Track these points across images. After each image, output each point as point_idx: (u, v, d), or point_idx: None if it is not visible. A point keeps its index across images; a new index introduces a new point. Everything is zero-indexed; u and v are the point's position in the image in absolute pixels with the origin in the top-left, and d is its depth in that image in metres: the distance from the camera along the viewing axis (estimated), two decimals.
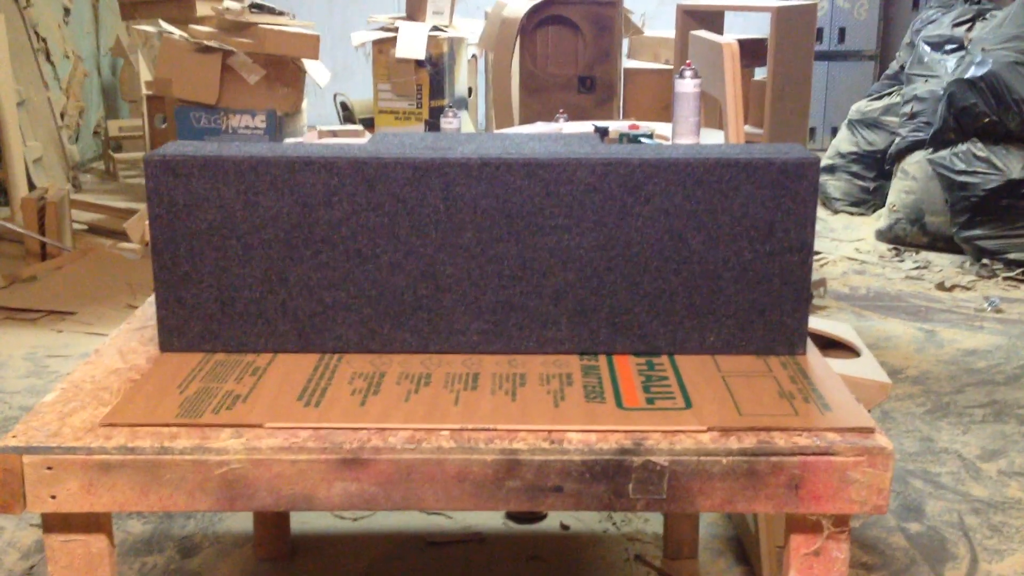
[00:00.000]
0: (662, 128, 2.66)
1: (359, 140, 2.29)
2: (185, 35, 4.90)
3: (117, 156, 6.44)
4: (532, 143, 1.51)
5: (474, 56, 5.88)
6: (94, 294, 4.05)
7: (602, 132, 2.52)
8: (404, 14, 5.22)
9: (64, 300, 3.99)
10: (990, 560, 2.22)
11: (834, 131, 6.72)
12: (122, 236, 4.70)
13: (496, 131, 3.97)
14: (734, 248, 1.39)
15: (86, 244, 4.72)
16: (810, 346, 1.45)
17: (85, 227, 5.05)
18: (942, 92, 4.79)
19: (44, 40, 6.03)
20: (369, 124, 5.32)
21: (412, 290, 1.41)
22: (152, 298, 1.62)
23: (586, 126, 2.70)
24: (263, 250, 1.40)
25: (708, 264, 1.40)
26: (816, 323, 2.25)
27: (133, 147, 6.67)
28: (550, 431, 1.21)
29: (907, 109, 5.13)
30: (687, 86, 2.31)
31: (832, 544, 1.23)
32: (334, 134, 3.32)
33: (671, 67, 4.72)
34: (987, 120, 4.56)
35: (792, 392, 1.30)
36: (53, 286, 4.14)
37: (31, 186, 5.09)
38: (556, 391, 1.31)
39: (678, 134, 2.34)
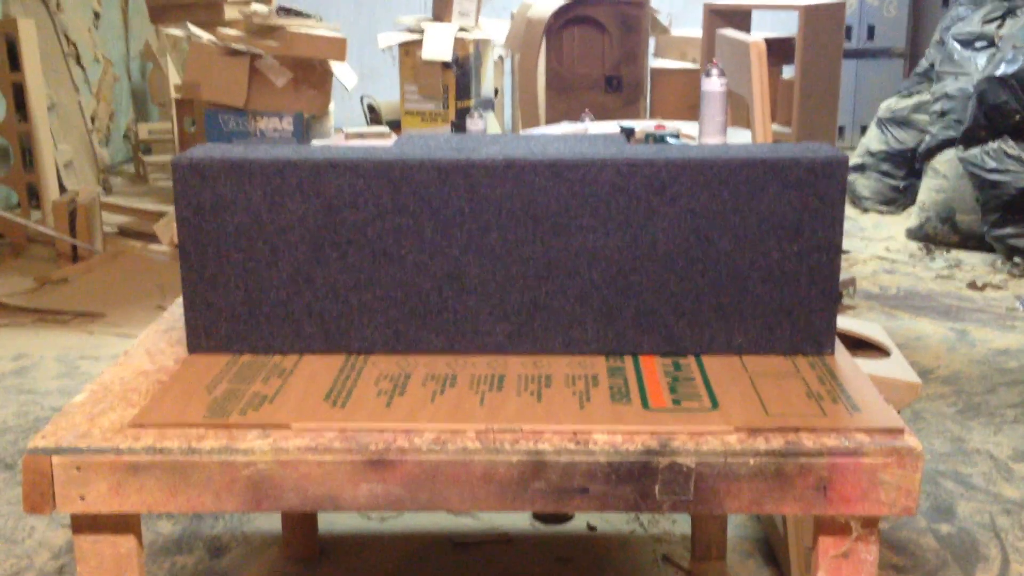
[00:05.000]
0: (689, 128, 2.65)
1: (385, 142, 2.30)
2: (213, 39, 4.93)
3: (147, 159, 6.49)
4: (557, 144, 1.51)
5: (500, 57, 5.89)
6: (124, 296, 4.09)
7: (628, 132, 2.51)
8: (430, 16, 5.23)
9: (95, 302, 4.02)
10: (1022, 562, 2.19)
11: (863, 129, 6.67)
12: (152, 238, 4.74)
13: (522, 132, 3.97)
14: (761, 248, 1.38)
15: (116, 246, 4.76)
16: (839, 346, 1.44)
17: (115, 230, 5.09)
18: (972, 90, 4.74)
19: (74, 44, 6.09)
20: (396, 126, 5.34)
21: (437, 291, 1.41)
22: (180, 300, 1.63)
23: (612, 126, 2.69)
24: (289, 252, 1.41)
25: (735, 264, 1.39)
26: (845, 323, 2.23)
27: (163, 150, 6.72)
28: (576, 432, 1.21)
29: (937, 107, 5.08)
30: (714, 85, 2.31)
31: (861, 546, 1.22)
32: (361, 136, 3.33)
33: (698, 66, 4.70)
34: (1018, 118, 4.51)
35: (820, 392, 1.29)
36: (84, 288, 4.18)
37: (62, 189, 5.14)
38: (582, 392, 1.31)
39: (705, 133, 2.33)
